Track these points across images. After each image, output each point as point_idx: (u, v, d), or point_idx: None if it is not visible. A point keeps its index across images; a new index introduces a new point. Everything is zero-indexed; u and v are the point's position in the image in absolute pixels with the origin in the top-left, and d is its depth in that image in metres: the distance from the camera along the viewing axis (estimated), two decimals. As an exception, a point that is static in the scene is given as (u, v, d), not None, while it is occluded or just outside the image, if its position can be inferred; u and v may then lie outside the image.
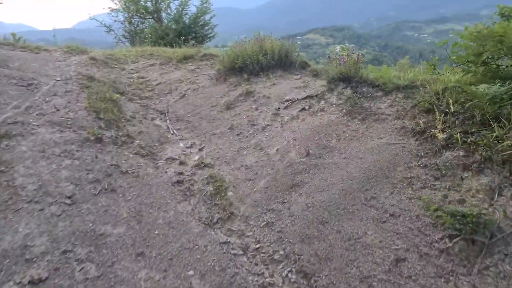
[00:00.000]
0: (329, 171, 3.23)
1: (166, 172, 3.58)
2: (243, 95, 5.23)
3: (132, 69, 8.31)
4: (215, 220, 2.90)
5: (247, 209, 3.01)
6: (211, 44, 14.82)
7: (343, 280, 2.25)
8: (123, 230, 2.59)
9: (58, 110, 4.10)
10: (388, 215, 2.64)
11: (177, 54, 8.49)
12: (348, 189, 2.95)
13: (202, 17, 13.70)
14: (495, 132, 2.86)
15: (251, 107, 4.77)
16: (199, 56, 8.13)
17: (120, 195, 2.99)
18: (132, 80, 7.15)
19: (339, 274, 2.29)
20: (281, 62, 5.89)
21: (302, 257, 2.45)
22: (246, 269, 2.42)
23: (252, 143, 3.91)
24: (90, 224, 2.57)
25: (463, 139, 2.97)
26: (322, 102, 4.33)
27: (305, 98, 4.51)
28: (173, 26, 13.12)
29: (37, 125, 3.66)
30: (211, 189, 3.26)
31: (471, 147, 2.89)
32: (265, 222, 2.83)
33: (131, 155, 3.69)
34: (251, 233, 2.76)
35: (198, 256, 2.48)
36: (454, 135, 3.03)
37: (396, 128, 3.59)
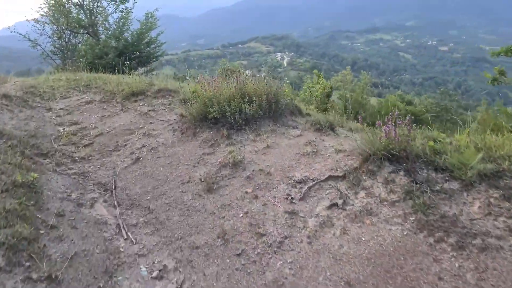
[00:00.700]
0: None
1: None
2: (227, 166, 3.71)
3: (61, 108, 6.19)
4: None
5: None
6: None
7: None
8: None
9: None
10: None
11: (122, 88, 6.60)
12: None
13: (147, 34, 11.75)
14: None
15: (246, 192, 3.27)
16: (151, 91, 6.35)
17: None
18: (61, 129, 5.16)
19: None
20: (270, 111, 4.51)
21: None
22: None
23: (268, 281, 2.34)
24: None
25: None
26: (362, 194, 2.82)
27: (327, 179, 3.15)
28: (113, 44, 10.95)
29: None
30: None
31: None
32: None
33: None
34: None
35: None
36: None
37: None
